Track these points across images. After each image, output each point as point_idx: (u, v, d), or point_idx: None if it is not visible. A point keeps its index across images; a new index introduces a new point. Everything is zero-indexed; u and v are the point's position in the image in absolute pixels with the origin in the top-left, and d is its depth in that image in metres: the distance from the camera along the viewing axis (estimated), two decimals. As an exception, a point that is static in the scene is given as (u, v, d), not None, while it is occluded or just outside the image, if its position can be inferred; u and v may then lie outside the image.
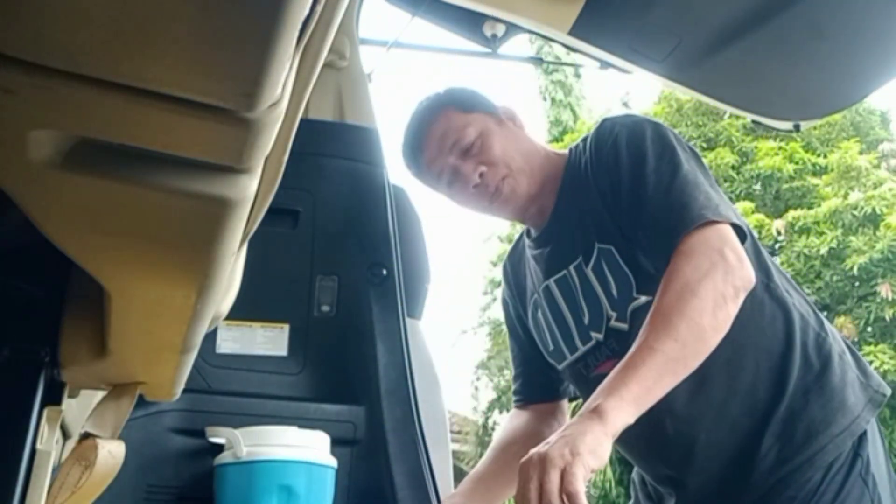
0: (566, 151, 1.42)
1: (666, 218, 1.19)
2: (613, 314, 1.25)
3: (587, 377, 1.30)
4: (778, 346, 1.23)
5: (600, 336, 1.27)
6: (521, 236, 1.53)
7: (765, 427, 1.20)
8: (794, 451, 1.17)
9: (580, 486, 0.92)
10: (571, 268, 1.32)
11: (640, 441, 1.28)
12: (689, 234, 1.15)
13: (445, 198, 1.43)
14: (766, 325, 1.24)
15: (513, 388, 1.54)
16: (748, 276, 1.14)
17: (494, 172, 1.32)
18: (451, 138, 1.33)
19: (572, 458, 0.94)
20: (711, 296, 1.09)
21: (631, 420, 1.01)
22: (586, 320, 1.30)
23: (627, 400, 1.01)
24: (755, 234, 1.33)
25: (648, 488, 1.39)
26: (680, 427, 1.23)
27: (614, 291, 1.25)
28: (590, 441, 0.96)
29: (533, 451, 0.98)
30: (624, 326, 1.23)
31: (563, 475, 0.93)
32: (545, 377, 1.46)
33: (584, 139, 1.38)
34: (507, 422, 1.49)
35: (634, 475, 1.45)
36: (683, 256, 1.14)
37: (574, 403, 1.70)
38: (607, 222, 1.27)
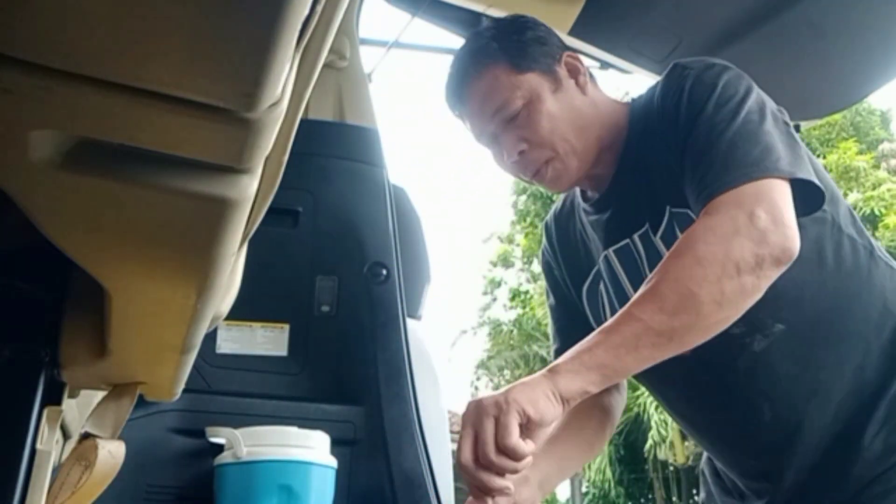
0: (629, 102, 1.25)
1: (704, 176, 1.02)
2: None
3: None
4: (890, 321, 1.10)
5: None
6: (571, 194, 1.36)
7: (871, 412, 1.07)
8: None
9: (515, 437, 0.86)
10: (636, 236, 1.17)
11: (729, 429, 1.18)
12: (720, 194, 0.98)
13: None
14: (876, 299, 1.11)
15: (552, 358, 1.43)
16: (782, 243, 0.96)
17: (537, 154, 1.16)
18: (495, 103, 1.16)
19: (507, 405, 0.88)
20: (720, 262, 0.94)
21: (592, 388, 0.93)
22: None
23: (588, 366, 0.92)
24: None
25: (725, 481, 1.28)
26: (780, 412, 1.11)
27: None
28: (530, 393, 0.89)
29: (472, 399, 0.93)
30: None
31: (497, 427, 0.87)
32: None
33: (652, 89, 1.20)
34: None
35: (704, 466, 1.34)
36: (705, 216, 0.98)
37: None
38: (681, 183, 1.10)
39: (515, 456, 0.86)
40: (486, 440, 0.87)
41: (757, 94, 1.11)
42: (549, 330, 1.42)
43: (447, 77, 1.24)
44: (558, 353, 1.36)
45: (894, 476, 1.05)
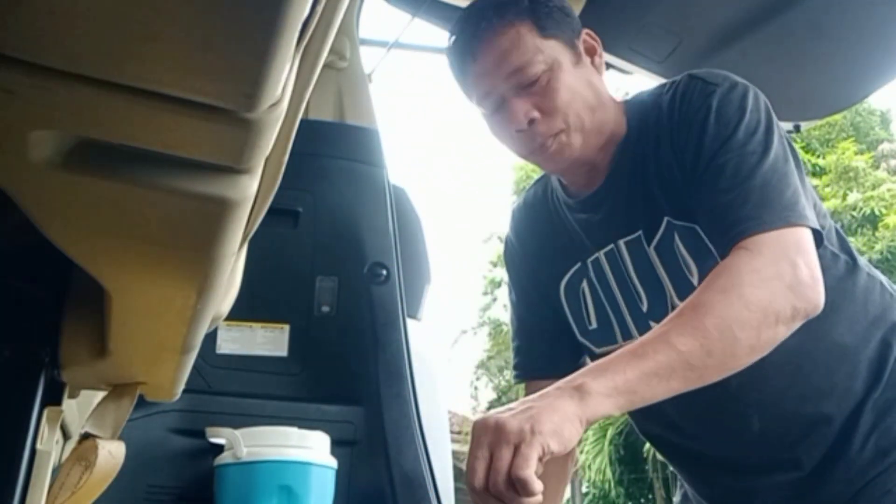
0: (623, 101, 1.21)
1: (738, 207, 1.00)
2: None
3: None
4: (876, 332, 1.11)
5: None
6: (545, 185, 1.31)
7: (858, 418, 1.08)
8: (894, 442, 1.06)
9: (530, 471, 0.81)
10: (621, 242, 1.15)
11: (716, 440, 1.17)
12: (760, 233, 0.97)
13: (479, 115, 1.19)
14: (860, 310, 1.12)
15: (514, 360, 1.33)
16: (816, 300, 0.97)
17: (548, 124, 1.10)
18: (514, 63, 1.09)
19: (531, 436, 0.82)
20: (763, 310, 0.92)
21: (615, 412, 0.88)
22: (644, 307, 1.14)
23: (621, 390, 0.87)
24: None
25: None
26: (769, 424, 1.11)
27: (694, 279, 1.08)
28: (557, 420, 0.83)
29: (492, 413, 0.87)
30: None
31: (516, 455, 0.82)
32: (559, 347, 1.26)
33: (657, 95, 1.16)
34: None
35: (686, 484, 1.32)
36: (746, 253, 0.96)
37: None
38: (687, 198, 1.08)
39: (525, 491, 0.82)
40: (499, 469, 0.82)
41: (775, 119, 1.10)
42: (511, 326, 1.37)
43: (460, 25, 1.15)
44: (519, 350, 1.32)
45: (888, 479, 1.06)
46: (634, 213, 1.13)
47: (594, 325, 1.22)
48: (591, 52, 1.18)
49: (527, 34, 1.09)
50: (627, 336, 1.17)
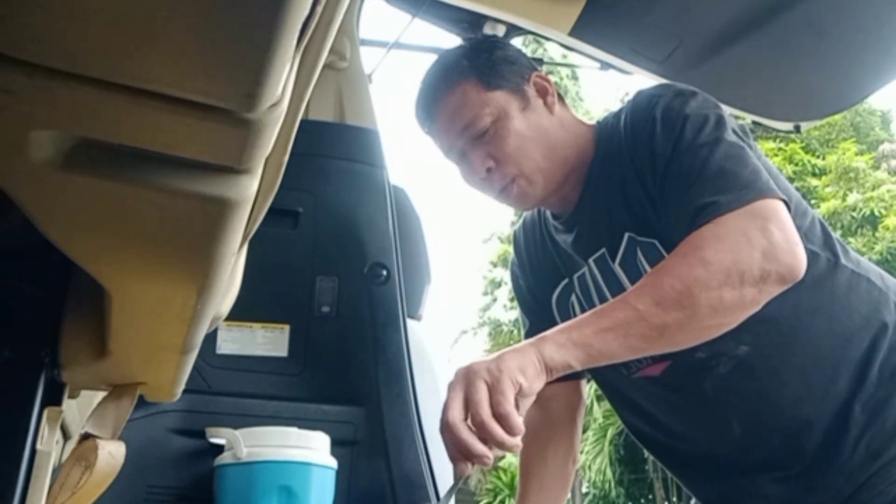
0: (594, 124, 1.26)
1: (697, 199, 1.01)
2: None
3: (628, 377, 1.19)
4: (863, 334, 1.10)
5: None
6: (539, 208, 1.36)
7: (847, 419, 1.06)
8: (886, 442, 1.05)
9: (511, 406, 0.84)
10: (591, 261, 1.20)
11: (699, 446, 1.18)
12: (720, 215, 0.98)
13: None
14: (841, 311, 1.10)
15: None
16: (790, 262, 0.96)
17: (503, 171, 1.17)
18: (464, 119, 1.17)
19: (499, 373, 0.87)
20: (725, 270, 0.93)
21: (576, 365, 0.92)
22: None
23: (575, 341, 0.92)
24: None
25: None
26: (750, 428, 1.11)
27: None
28: (519, 359, 0.89)
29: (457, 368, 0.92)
30: None
31: (492, 394, 0.86)
32: None
33: (618, 115, 1.21)
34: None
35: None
36: (711, 225, 0.98)
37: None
38: (649, 213, 1.11)
39: (510, 426, 0.84)
40: (479, 400, 0.85)
41: (726, 117, 1.12)
42: (521, 332, 1.45)
43: (416, 94, 1.25)
44: None
45: (880, 481, 1.05)
46: (598, 233, 1.19)
47: None
48: (542, 93, 1.23)
49: (471, 91, 1.18)
50: None
